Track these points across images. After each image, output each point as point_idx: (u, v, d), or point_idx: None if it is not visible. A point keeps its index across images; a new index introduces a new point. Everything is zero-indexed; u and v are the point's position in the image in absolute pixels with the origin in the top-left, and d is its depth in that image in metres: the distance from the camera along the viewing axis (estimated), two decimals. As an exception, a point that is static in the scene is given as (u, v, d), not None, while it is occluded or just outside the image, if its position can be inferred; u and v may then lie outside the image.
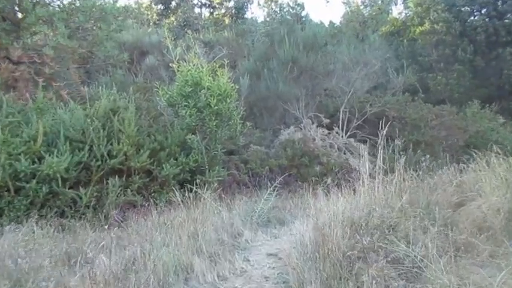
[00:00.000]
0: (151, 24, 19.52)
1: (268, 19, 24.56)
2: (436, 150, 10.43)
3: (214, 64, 7.66)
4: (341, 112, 10.62)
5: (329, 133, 9.65)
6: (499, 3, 19.76)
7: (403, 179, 5.15)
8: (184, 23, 17.74)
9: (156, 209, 6.02)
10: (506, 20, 19.62)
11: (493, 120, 11.86)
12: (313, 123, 9.90)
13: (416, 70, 17.95)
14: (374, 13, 24.65)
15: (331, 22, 25.00)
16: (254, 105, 10.64)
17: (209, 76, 7.21)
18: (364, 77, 10.53)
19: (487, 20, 19.43)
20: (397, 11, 24.94)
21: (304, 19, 21.81)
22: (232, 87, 7.43)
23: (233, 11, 20.71)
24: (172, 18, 18.81)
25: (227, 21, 20.68)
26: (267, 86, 10.11)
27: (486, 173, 5.26)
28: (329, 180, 8.42)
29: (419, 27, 19.79)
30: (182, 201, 5.45)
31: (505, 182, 5.22)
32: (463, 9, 20.72)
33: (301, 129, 9.87)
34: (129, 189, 6.29)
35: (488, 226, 4.56)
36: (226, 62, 7.46)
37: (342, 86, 10.71)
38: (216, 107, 6.95)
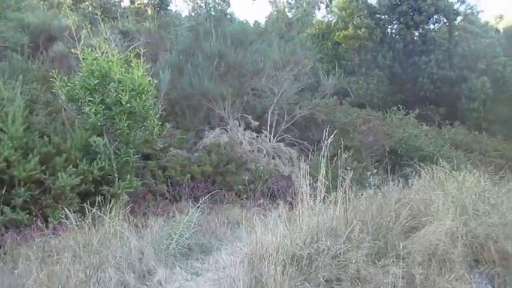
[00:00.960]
0: (64, 7, 17.31)
1: (193, 14, 23.26)
2: (363, 156, 9.94)
3: (129, 54, 6.33)
4: (269, 114, 9.74)
5: (257, 136, 8.71)
6: (415, 13, 20.22)
7: (349, 199, 4.30)
8: (101, 9, 15.86)
9: (47, 229, 4.65)
10: (422, 30, 20.15)
11: (416, 127, 11.70)
12: (240, 125, 8.89)
13: (340, 74, 17.74)
14: (299, 15, 24.29)
15: (256, 22, 24.32)
16: (176, 103, 9.40)
17: (121, 67, 5.88)
18: (294, 78, 9.74)
19: (404, 29, 19.78)
20: (321, 14, 24.82)
21: (229, 16, 20.82)
22: (150, 81, 6.16)
23: (156, 2, 19.11)
24: (88, 3, 16.80)
25: (149, 11, 19.04)
26: (190, 83, 8.92)
27: (437, 192, 4.58)
28: (258, 190, 7.50)
29: (344, 31, 19.63)
30: (77, 223, 4.15)
31: (457, 202, 4.60)
32: (383, 17, 20.99)
33: (227, 131, 8.82)
34: (9, 205, 4.82)
35: (445, 257, 3.87)
36: (143, 50, 6.15)
37: (271, 85, 9.81)
38: (128, 105, 5.65)
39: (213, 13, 18.01)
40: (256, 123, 8.94)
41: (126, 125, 5.69)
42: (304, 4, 24.20)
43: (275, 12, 25.71)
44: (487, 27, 21.80)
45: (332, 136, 9.86)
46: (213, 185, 7.26)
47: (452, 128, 16.62)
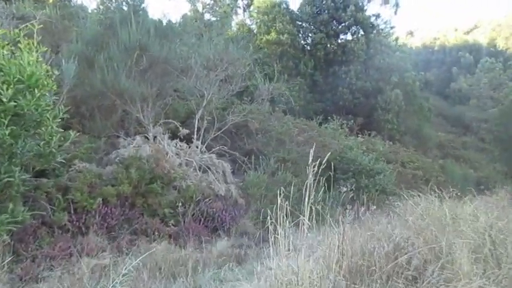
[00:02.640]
0: None
1: (101, 7, 20.68)
2: (301, 170, 8.82)
3: (18, 32, 4.41)
4: (196, 119, 8.18)
5: (189, 146, 7.13)
6: (335, 23, 19.98)
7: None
8: (-10, -12, 12.97)
9: None
10: (342, 41, 19.94)
11: (349, 137, 10.94)
12: (164, 132, 7.23)
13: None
14: (219, 16, 22.88)
15: (169, 21, 22.40)
16: (83, 102, 7.45)
17: (2, 48, 3.99)
18: (227, 80, 8.33)
19: (325, 38, 19.39)
20: (238, 19, 23.67)
21: (141, 13, 18.76)
22: (47, 71, 4.33)
23: (59, -12, 16.39)
24: (-28, -20, 13.71)
25: (51, -1, 16.27)
26: (103, 79, 7.05)
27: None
28: (189, 214, 5.93)
29: (266, 35, 18.66)
30: None
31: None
32: (304, 24, 20.46)
33: (147, 138, 7.10)
34: None
35: None
36: (37, 26, 4.29)
37: (198, 87, 8.26)
38: (12, 103, 3.80)
39: (125, 8, 15.89)
40: (186, 131, 7.35)
41: (8, 132, 3.81)
42: (225, 6, 22.84)
43: (190, 12, 23.99)
44: (399, 42, 22.36)
45: (267, 147, 8.28)
46: (132, 210, 5.54)
47: (372, 138, 16.40)
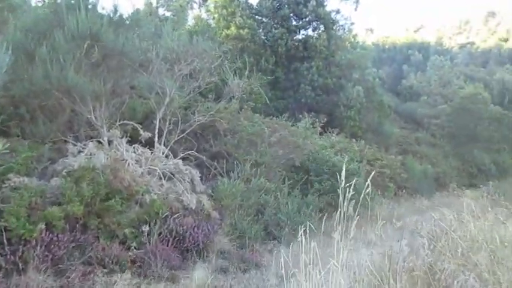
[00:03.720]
0: None
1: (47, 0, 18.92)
2: (276, 174, 8.01)
3: None
4: (158, 120, 7.13)
5: (151, 152, 6.09)
6: (296, 18, 19.36)
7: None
8: None
9: None
10: (303, 36, 19.33)
11: (326, 138, 10.25)
12: (122, 136, 6.14)
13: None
14: (174, 11, 21.62)
15: (121, 15, 20.88)
16: (22, 102, 6.23)
17: None
18: (192, 75, 7.33)
19: (286, 33, 18.69)
20: (196, 12, 22.50)
21: (90, 7, 17.23)
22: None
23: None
24: None
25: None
26: (46, 73, 5.85)
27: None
28: (155, 234, 4.93)
29: (226, 30, 17.69)
30: None
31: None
32: (265, 19, 19.65)
33: (102, 144, 6.00)
34: None
35: None
36: None
37: (158, 83, 7.19)
38: None
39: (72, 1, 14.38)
40: (148, 134, 6.29)
41: None
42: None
43: (143, 7, 22.54)
44: (359, 39, 22.13)
45: (237, 150, 7.23)
46: (85, 234, 4.47)
47: (336, 136, 15.90)
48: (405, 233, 7.59)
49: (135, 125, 6.43)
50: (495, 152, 28.99)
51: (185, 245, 5.05)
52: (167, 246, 4.88)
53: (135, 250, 4.74)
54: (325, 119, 16.31)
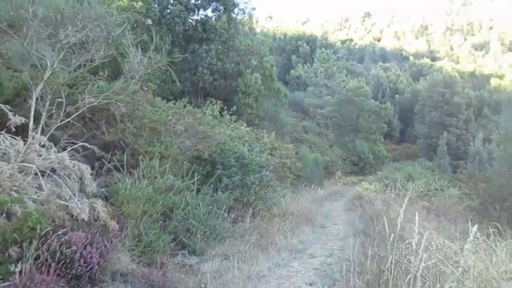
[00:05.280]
0: None
1: None
2: (183, 169, 6.88)
3: None
4: (34, 100, 5.49)
5: (24, 142, 4.52)
6: (194, -4, 18.03)
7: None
8: None
9: None
10: (202, 16, 18.11)
11: (235, 127, 9.34)
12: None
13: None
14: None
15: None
16: None
17: None
18: (84, 45, 5.79)
19: (184, 11, 17.29)
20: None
21: None
22: None
23: None
24: None
25: None
26: None
27: None
28: (31, 259, 3.53)
29: (117, 0, 15.65)
30: None
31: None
32: (161, -6, 17.92)
33: None
34: None
35: None
36: None
37: (35, 52, 5.51)
38: None
39: None
40: (21, 119, 4.68)
41: None
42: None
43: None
44: (259, 26, 21.61)
45: (138, 139, 6.00)
46: None
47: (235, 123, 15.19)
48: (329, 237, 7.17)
49: (1, 105, 4.76)
50: (372, 142, 31.40)
51: (74, 270, 3.74)
52: (47, 274, 3.53)
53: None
54: (221, 105, 15.46)
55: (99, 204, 4.58)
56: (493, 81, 67.56)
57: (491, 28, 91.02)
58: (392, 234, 3.50)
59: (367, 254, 4.05)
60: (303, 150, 19.49)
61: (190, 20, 17.48)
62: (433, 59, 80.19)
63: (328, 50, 42.10)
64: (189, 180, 6.65)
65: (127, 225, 4.67)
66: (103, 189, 5.33)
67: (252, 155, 8.29)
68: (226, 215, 6.72)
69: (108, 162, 6.23)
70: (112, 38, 5.96)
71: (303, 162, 17.93)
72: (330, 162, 22.19)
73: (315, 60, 40.75)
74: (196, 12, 18.06)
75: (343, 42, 76.98)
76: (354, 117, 30.97)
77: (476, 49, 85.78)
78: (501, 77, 70.96)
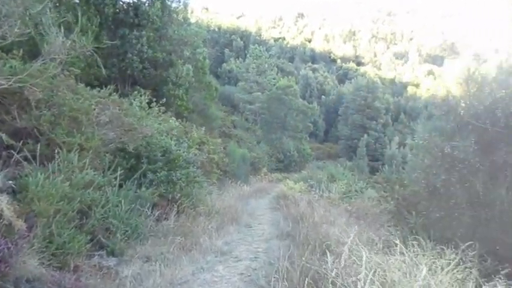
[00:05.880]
0: None
1: None
2: (105, 162, 6.43)
3: None
4: None
5: None
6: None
7: None
8: None
9: None
10: (135, 0, 17.19)
11: (164, 119, 8.95)
12: None
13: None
14: None
15: None
16: None
17: None
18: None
19: (117, -8, 16.32)
20: None
21: None
22: None
23: None
24: None
25: None
26: None
27: None
28: None
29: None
30: None
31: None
32: (89, -30, 16.71)
33: None
34: None
35: None
36: None
37: None
38: None
39: None
40: None
41: None
42: None
43: None
44: (194, 16, 21.11)
45: (55, 129, 5.63)
46: None
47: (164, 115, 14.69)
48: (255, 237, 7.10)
49: None
50: (298, 140, 32.28)
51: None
52: None
53: None
54: (150, 96, 14.88)
55: (4, 201, 4.08)
56: (410, 89, 72.97)
57: (411, 39, 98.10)
58: (318, 242, 3.51)
59: (292, 259, 4.04)
60: (231, 146, 19.44)
61: (122, 3, 16.55)
62: (358, 64, 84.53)
63: (261, 46, 42.46)
64: (111, 175, 6.25)
65: (37, 224, 4.22)
66: (10, 182, 4.78)
67: (179, 150, 8.01)
68: (149, 212, 6.42)
69: (18, 153, 5.63)
70: (30, 15, 5.35)
71: (231, 158, 17.88)
72: (256, 159, 22.38)
73: (248, 55, 40.86)
74: (128, -5, 17.11)
75: (276, 40, 78.20)
76: (282, 115, 31.57)
77: (397, 58, 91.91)
78: (417, 86, 76.87)
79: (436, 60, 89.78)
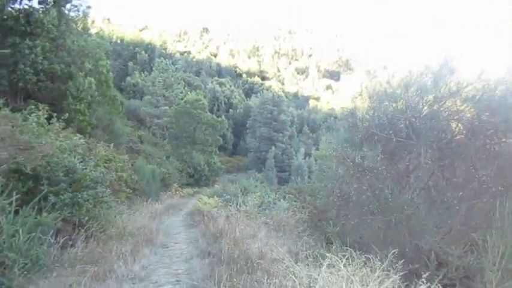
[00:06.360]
0: None
1: None
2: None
3: None
4: None
5: None
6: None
7: None
8: None
9: None
10: (26, 7, 15.77)
11: (67, 137, 8.13)
12: None
13: None
14: None
15: None
16: None
17: None
18: None
19: (0, -2, 14.80)
20: None
21: None
22: None
23: None
24: None
25: None
26: None
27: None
28: None
29: None
30: None
31: None
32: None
33: None
34: None
35: None
36: None
37: None
38: None
39: None
40: None
41: None
42: None
43: None
44: (95, 26, 19.97)
45: None
46: None
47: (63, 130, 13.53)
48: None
49: None
50: (208, 154, 32.03)
51: None
52: None
53: None
54: (48, 111, 13.67)
55: None
56: (311, 102, 77.26)
57: (310, 55, 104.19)
58: (243, 258, 3.37)
59: (218, 279, 3.84)
60: (139, 162, 18.57)
61: (10, 9, 15.06)
62: (263, 78, 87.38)
63: (167, 60, 41.68)
64: (5, 200, 5.48)
65: None
66: None
67: (85, 168, 7.36)
68: (53, 240, 5.73)
69: None
70: None
71: (140, 175, 17.06)
72: (167, 174, 21.68)
73: (154, 69, 39.81)
74: (19, 0, 15.65)
75: (181, 53, 77.54)
76: (191, 129, 31.15)
77: (298, 73, 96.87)
78: (317, 99, 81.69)
79: (334, 75, 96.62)
